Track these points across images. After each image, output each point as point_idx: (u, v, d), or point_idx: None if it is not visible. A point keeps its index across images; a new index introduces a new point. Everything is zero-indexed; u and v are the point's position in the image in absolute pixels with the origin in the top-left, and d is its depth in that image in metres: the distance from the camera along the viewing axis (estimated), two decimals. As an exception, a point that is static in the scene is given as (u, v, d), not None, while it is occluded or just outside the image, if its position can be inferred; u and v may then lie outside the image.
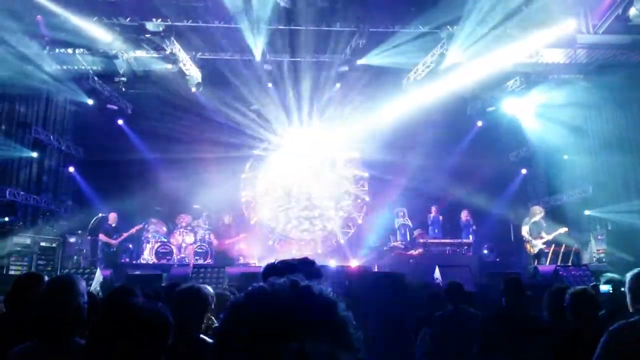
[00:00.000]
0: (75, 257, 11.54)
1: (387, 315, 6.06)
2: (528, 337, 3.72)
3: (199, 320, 2.93)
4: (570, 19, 11.65)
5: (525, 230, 11.14)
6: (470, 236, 12.54)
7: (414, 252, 11.77)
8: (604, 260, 10.25)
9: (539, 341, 3.33)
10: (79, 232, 12.27)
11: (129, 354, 1.64)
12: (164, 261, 11.91)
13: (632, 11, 11.02)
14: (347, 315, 0.71)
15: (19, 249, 10.09)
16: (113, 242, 11.09)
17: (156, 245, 12.27)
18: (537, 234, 11.00)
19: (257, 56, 12.30)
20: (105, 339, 1.67)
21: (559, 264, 10.52)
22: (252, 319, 0.68)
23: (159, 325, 1.72)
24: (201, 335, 2.85)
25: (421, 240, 12.02)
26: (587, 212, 12.93)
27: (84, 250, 11.86)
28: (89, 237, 11.97)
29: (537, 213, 11.24)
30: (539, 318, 4.10)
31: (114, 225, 11.37)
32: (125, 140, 13.72)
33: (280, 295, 0.70)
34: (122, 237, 11.34)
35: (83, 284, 2.66)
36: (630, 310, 2.76)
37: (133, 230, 11.62)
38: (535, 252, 10.93)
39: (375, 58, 12.75)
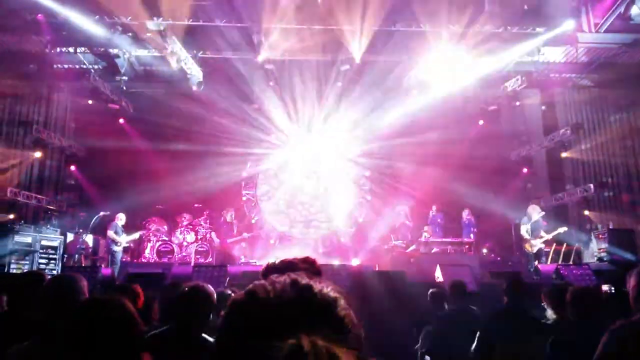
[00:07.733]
0: (76, 256, 11.55)
1: (388, 314, 6.06)
2: (530, 336, 3.72)
3: (203, 319, 2.90)
4: (572, 17, 11.64)
5: (524, 230, 11.02)
6: (472, 235, 12.49)
7: (414, 251, 11.75)
8: (605, 259, 10.22)
9: (540, 340, 3.32)
10: (81, 230, 12.28)
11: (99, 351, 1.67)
12: (165, 260, 11.90)
13: (634, 10, 11.03)
14: (347, 313, 0.71)
15: (20, 247, 10.09)
16: (121, 240, 11.06)
17: (157, 244, 12.27)
18: (537, 234, 10.91)
19: (259, 55, 12.28)
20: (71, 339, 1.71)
21: (560, 263, 10.49)
22: (252, 316, 0.68)
23: (117, 316, 1.77)
24: (204, 335, 2.83)
25: (422, 240, 12.00)
26: (587, 213, 12.92)
27: (86, 249, 11.87)
28: (91, 236, 11.97)
29: (536, 212, 11.14)
30: (540, 317, 4.10)
31: (122, 224, 11.36)
32: (126, 139, 13.72)
33: (280, 293, 0.70)
34: (128, 239, 11.32)
35: (84, 282, 2.66)
36: (633, 309, 2.76)
37: (136, 236, 11.62)
38: (534, 251, 10.82)
39: (376, 56, 12.72)
